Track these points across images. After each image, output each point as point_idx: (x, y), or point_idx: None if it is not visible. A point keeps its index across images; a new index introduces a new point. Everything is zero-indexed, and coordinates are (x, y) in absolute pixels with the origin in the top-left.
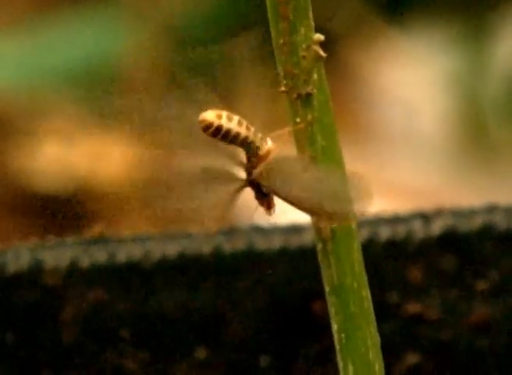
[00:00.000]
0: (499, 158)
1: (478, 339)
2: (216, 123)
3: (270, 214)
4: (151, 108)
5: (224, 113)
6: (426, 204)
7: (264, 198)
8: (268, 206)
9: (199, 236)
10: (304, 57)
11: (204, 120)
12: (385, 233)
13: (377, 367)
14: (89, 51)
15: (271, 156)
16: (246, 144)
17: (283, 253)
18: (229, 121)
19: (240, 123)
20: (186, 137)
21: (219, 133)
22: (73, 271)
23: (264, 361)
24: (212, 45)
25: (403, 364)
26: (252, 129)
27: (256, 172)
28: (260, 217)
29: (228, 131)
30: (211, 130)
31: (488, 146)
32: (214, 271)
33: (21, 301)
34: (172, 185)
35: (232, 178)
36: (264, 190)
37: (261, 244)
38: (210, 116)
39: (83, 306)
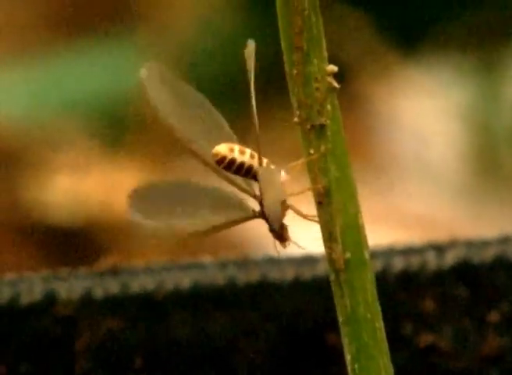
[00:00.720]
0: (511, 188)
1: (491, 370)
2: (229, 156)
3: (285, 246)
4: (163, 140)
5: (236, 147)
6: (439, 235)
7: (279, 231)
8: (283, 239)
9: (212, 266)
10: (317, 88)
11: (217, 154)
12: (398, 264)
13: None
14: (102, 83)
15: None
16: (258, 176)
17: (297, 284)
18: (242, 154)
19: (252, 156)
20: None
21: (232, 167)
22: (86, 302)
23: None
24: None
25: None
26: (265, 161)
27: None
28: (273, 248)
29: (241, 165)
30: (224, 163)
31: (500, 177)
32: (227, 302)
33: (34, 331)
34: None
35: (243, 208)
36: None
37: (275, 274)
38: (223, 149)
39: (96, 337)
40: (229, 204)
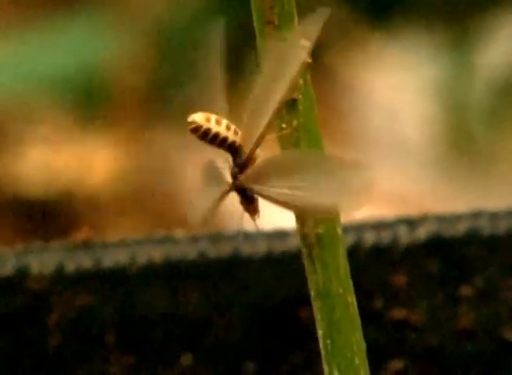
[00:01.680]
0: (483, 164)
1: (463, 344)
2: (205, 125)
3: (255, 219)
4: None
5: (213, 116)
6: (411, 210)
7: (250, 204)
8: (254, 211)
9: (184, 241)
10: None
11: (192, 122)
12: (370, 238)
13: (362, 373)
14: (77, 58)
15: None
16: (233, 148)
17: (268, 258)
18: (218, 125)
19: (228, 128)
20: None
21: (207, 136)
22: (59, 276)
23: (249, 367)
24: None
25: (388, 370)
26: (239, 134)
27: (242, 176)
28: (245, 223)
29: (216, 135)
30: (199, 132)
31: (473, 152)
32: (200, 276)
33: (6, 306)
34: (159, 188)
35: (221, 182)
36: (250, 194)
37: (246, 249)
38: (199, 118)
39: (68, 311)
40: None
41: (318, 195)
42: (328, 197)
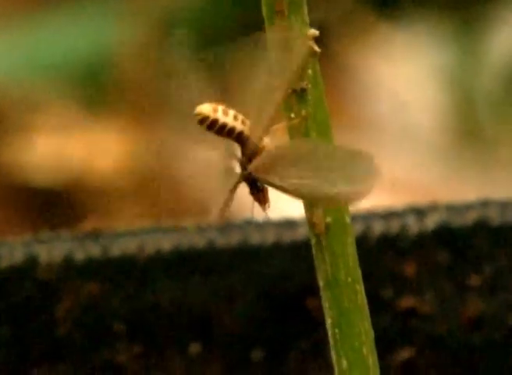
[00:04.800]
0: (492, 152)
1: (471, 334)
2: (212, 116)
3: (265, 209)
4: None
5: (220, 107)
6: (420, 198)
7: (259, 193)
8: (263, 201)
9: (193, 230)
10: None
11: (200, 113)
12: (379, 227)
13: (371, 361)
14: (83, 45)
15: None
16: (241, 138)
17: (277, 248)
18: (225, 115)
19: (235, 118)
20: (182, 131)
21: (214, 127)
22: (67, 265)
23: (257, 356)
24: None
25: (396, 358)
26: (247, 124)
27: (251, 166)
28: (254, 212)
29: (223, 125)
30: (206, 123)
31: (481, 140)
32: (208, 265)
33: (15, 295)
34: (168, 177)
35: (231, 173)
36: (260, 184)
37: (255, 238)
38: (206, 109)
39: (77, 301)
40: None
41: (325, 184)
42: (335, 186)
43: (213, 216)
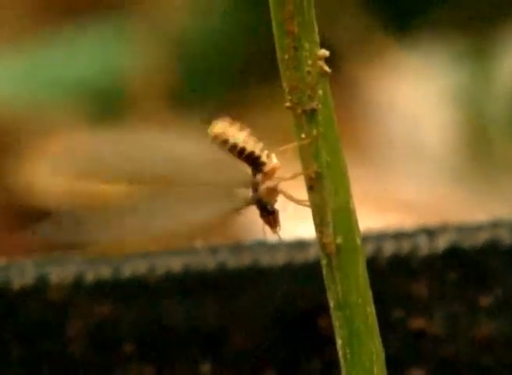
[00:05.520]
0: (503, 172)
1: (482, 354)
2: (224, 135)
3: (275, 232)
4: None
5: (234, 126)
6: (431, 219)
7: (270, 216)
8: (274, 224)
9: (204, 251)
10: (308, 72)
11: (213, 131)
12: (390, 248)
13: None
14: (91, 66)
15: (275, 173)
16: (252, 159)
17: (288, 269)
18: (238, 134)
19: (248, 138)
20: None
21: (226, 146)
22: (78, 287)
23: None
24: (221, 65)
25: None
26: (260, 145)
27: (261, 189)
28: (264, 233)
29: (235, 144)
30: (218, 140)
31: (492, 160)
32: (219, 286)
33: (26, 316)
34: (176, 199)
35: (238, 195)
36: (270, 206)
37: (266, 259)
38: (219, 127)
39: (87, 322)
40: (225, 193)
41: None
42: None
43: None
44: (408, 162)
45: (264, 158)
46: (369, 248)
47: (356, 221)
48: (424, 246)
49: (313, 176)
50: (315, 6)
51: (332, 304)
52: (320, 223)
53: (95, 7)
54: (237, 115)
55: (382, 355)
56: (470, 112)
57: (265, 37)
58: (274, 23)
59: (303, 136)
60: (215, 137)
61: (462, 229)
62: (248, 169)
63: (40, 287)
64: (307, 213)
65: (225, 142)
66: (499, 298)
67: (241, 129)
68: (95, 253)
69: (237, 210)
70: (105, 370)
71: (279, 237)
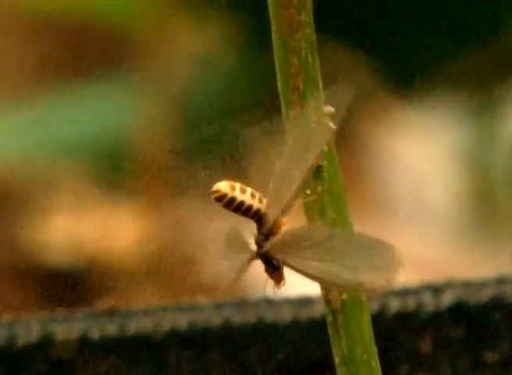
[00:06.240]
0: (507, 229)
1: None
2: (230, 194)
3: (280, 288)
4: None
5: (237, 185)
6: (436, 276)
7: (275, 271)
8: (279, 279)
9: (209, 308)
10: (313, 129)
11: (217, 191)
12: (395, 305)
13: None
14: (99, 124)
15: (281, 229)
16: (257, 216)
17: (293, 325)
18: (242, 193)
19: (252, 196)
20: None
21: (232, 205)
22: (84, 344)
23: None
24: (226, 120)
25: None
26: (264, 202)
27: (268, 244)
28: (270, 290)
29: (241, 203)
30: (224, 201)
31: (497, 218)
32: (225, 343)
33: (31, 373)
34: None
35: (245, 250)
36: (276, 263)
37: (271, 316)
38: (223, 187)
39: None
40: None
41: (346, 271)
42: (357, 273)
43: (223, 289)
44: (413, 219)
45: (269, 216)
46: (374, 305)
47: None
48: (429, 303)
49: None
50: (320, 62)
51: (337, 360)
52: None
53: (98, 63)
54: (242, 169)
55: None
56: (474, 169)
57: (270, 92)
58: (279, 79)
59: (308, 192)
60: (220, 197)
61: (467, 285)
62: (253, 226)
63: (46, 344)
64: None
65: (230, 202)
66: (504, 354)
67: (244, 187)
68: (101, 310)
69: (243, 265)
70: None
71: (283, 293)
